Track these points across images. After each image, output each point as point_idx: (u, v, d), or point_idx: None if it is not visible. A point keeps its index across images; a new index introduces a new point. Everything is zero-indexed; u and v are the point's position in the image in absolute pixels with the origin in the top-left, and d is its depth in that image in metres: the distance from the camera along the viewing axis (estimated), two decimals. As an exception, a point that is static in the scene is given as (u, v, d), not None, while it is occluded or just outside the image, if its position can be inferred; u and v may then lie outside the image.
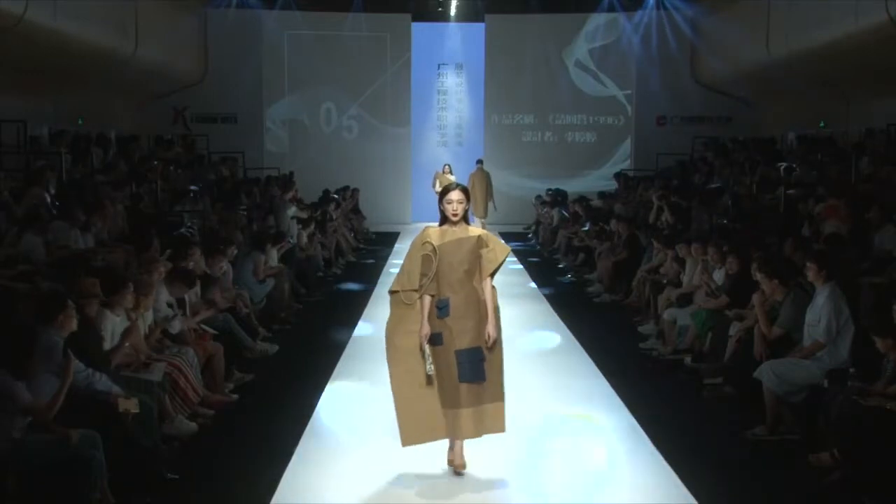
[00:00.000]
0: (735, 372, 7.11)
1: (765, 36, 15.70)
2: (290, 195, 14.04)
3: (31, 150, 12.35)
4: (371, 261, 15.78)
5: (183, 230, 10.48)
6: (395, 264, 15.26)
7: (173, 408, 6.23)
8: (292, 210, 13.57)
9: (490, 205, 19.73)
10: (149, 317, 6.83)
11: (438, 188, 16.34)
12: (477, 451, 5.97)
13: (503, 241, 5.65)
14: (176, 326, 7.04)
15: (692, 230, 11.19)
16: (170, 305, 7.25)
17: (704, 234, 10.57)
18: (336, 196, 17.48)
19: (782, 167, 13.09)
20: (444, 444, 5.55)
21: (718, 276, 8.54)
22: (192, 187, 13.18)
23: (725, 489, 5.47)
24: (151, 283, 6.87)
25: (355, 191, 19.15)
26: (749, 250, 8.30)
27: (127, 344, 6.09)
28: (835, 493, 5.33)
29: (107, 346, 6.05)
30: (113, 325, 6.18)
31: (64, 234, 8.65)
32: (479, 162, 20.18)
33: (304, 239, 13.34)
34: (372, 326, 10.10)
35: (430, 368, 5.35)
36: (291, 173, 17.35)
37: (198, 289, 8.19)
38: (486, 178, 19.57)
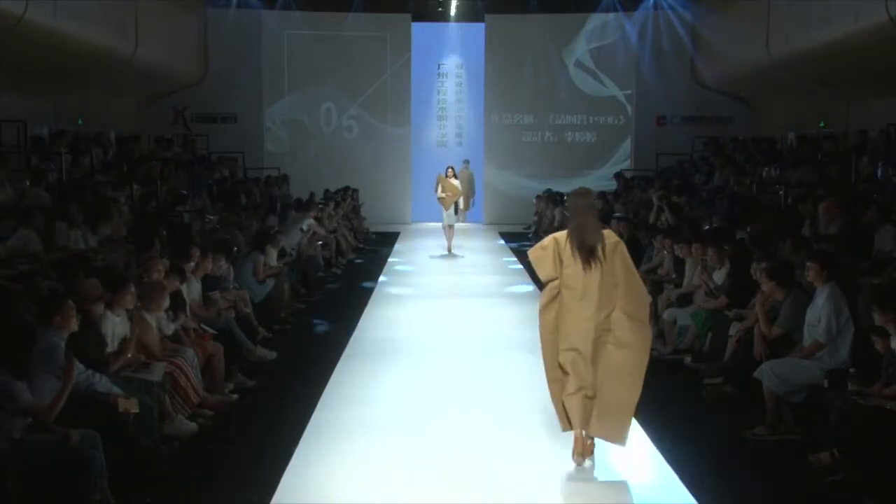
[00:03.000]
0: (735, 372, 7.10)
1: (765, 36, 15.69)
2: (311, 214, 13.90)
3: (31, 150, 12.35)
4: (371, 261, 15.76)
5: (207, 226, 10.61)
6: (395, 264, 15.28)
7: (173, 407, 6.23)
8: (307, 223, 13.42)
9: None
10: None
11: (441, 193, 15.92)
12: (476, 450, 5.98)
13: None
14: (171, 327, 7.04)
15: (691, 230, 11.16)
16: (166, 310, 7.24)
17: (705, 234, 10.55)
18: (335, 195, 17.48)
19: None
20: (447, 446, 5.53)
21: (718, 276, 8.54)
22: (209, 181, 13.12)
23: (725, 489, 5.46)
24: (163, 284, 6.88)
25: (355, 191, 19.14)
26: (749, 250, 8.30)
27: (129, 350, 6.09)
28: (835, 493, 5.32)
29: (110, 345, 6.05)
30: (113, 325, 6.18)
31: (63, 235, 8.65)
32: (466, 162, 21.25)
33: (305, 241, 13.27)
34: (372, 326, 10.11)
35: None
36: (312, 194, 16.74)
37: (199, 289, 8.21)
38: (471, 177, 21.05)
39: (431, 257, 16.21)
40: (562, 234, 5.66)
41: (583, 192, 5.88)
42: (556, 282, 5.58)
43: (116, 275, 6.76)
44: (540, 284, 6.02)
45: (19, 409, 4.73)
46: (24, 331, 5.00)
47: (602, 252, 5.49)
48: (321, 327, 10.13)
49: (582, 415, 5.48)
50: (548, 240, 5.73)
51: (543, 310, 5.65)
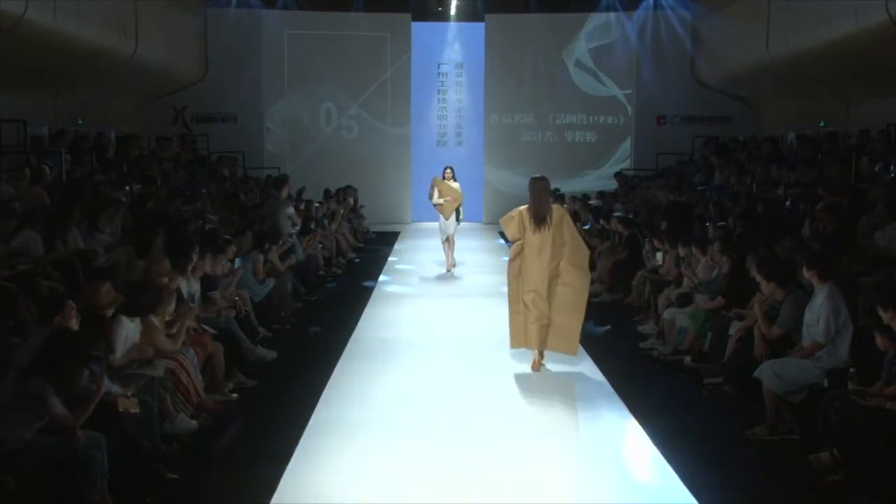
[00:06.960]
0: (735, 372, 7.10)
1: (765, 36, 15.69)
2: (284, 192, 13.63)
3: (31, 150, 12.34)
4: (371, 260, 15.76)
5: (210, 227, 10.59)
6: (395, 263, 15.28)
7: (174, 405, 6.23)
8: (288, 212, 13.32)
9: None
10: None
11: (438, 199, 13.83)
12: (476, 450, 5.99)
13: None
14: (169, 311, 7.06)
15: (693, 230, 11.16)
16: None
17: (705, 234, 10.55)
18: (336, 195, 17.48)
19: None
20: (447, 445, 5.51)
21: (702, 271, 8.57)
22: (208, 180, 12.98)
23: (725, 489, 5.46)
24: (171, 288, 6.88)
25: (355, 191, 19.11)
26: (748, 251, 8.30)
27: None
28: (835, 493, 5.32)
29: (120, 351, 6.05)
30: (127, 331, 6.16)
31: (63, 234, 8.63)
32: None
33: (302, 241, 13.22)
34: (372, 326, 10.10)
35: None
36: (286, 175, 16.63)
37: (198, 289, 8.19)
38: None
39: (423, 279, 13.82)
40: (525, 207, 7.85)
41: (539, 178, 7.98)
42: (521, 241, 7.78)
43: (136, 284, 6.81)
44: (510, 243, 8.15)
45: (46, 417, 4.73)
46: (79, 356, 4.97)
47: (550, 220, 7.70)
48: (321, 327, 10.12)
49: (539, 338, 7.72)
50: (514, 211, 7.95)
51: (511, 261, 7.91)
